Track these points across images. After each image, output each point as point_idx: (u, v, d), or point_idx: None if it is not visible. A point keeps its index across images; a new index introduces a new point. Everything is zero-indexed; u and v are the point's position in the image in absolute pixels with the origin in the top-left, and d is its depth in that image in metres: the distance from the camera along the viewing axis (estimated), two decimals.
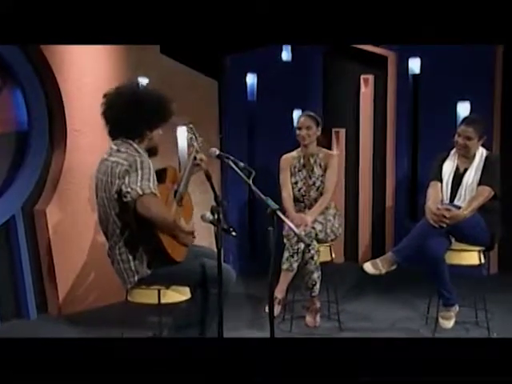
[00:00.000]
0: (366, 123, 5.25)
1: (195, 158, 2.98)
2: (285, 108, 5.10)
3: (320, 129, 3.94)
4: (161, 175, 2.85)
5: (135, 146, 2.79)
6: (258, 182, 2.59)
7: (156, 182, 2.68)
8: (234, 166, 2.66)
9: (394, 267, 3.60)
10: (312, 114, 3.97)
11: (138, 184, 2.60)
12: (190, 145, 3.05)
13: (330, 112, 5.21)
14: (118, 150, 2.77)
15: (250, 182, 2.57)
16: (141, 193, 2.58)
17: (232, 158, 2.71)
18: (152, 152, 2.88)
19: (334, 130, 5.28)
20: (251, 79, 4.97)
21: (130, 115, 2.77)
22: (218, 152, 2.81)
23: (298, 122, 3.96)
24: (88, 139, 3.95)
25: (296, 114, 5.17)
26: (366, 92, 5.22)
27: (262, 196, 2.44)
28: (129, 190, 2.61)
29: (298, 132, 3.93)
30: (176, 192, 2.89)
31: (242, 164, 2.70)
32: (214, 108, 4.84)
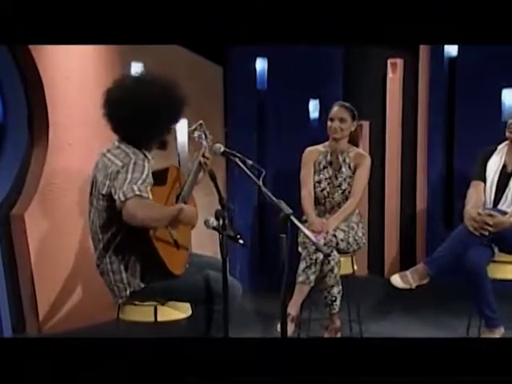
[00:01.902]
0: (394, 115, 5.23)
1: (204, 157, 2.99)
2: (300, 97, 5.10)
3: (355, 123, 3.95)
4: (161, 176, 2.87)
5: (138, 147, 2.82)
6: (269, 182, 2.58)
7: (148, 184, 2.69)
8: (241, 165, 2.67)
9: (426, 281, 3.58)
10: (348, 104, 3.97)
11: (123, 188, 2.63)
12: (198, 144, 3.05)
13: (351, 102, 5.12)
14: (119, 147, 2.82)
15: (260, 182, 2.59)
16: (123, 199, 2.61)
17: (239, 155, 2.71)
18: (165, 145, 2.93)
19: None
20: (261, 64, 4.96)
21: (135, 128, 2.80)
22: (223, 148, 2.81)
23: (330, 112, 3.96)
24: (73, 133, 3.96)
25: (312, 104, 5.17)
26: (394, 78, 5.21)
27: (274, 199, 2.45)
28: (116, 197, 2.64)
29: (329, 123, 3.93)
30: (179, 196, 2.91)
31: (250, 162, 2.70)
32: (219, 98, 4.84)
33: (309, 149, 4.04)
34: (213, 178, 2.86)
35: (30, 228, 3.85)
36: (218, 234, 2.50)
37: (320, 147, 4.03)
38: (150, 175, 2.74)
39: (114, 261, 2.81)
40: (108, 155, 2.80)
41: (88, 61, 4.04)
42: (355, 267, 3.89)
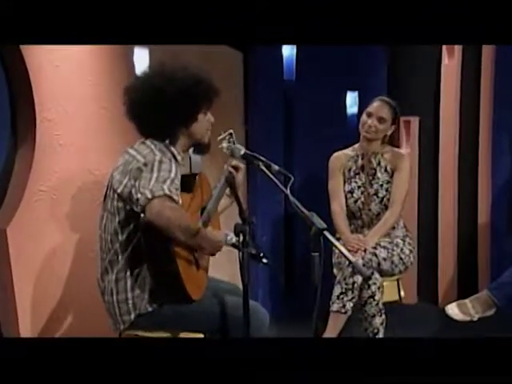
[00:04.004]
0: (450, 109, 5.23)
1: (231, 173, 3.07)
2: (335, 89, 5.11)
3: (394, 128, 4.02)
4: (188, 182, 2.97)
5: (166, 143, 2.95)
6: (298, 191, 2.63)
7: (177, 187, 2.77)
8: (265, 170, 2.72)
9: (491, 312, 3.59)
10: (392, 102, 4.02)
11: (149, 187, 2.69)
12: (227, 155, 3.11)
13: (397, 94, 5.19)
14: (143, 143, 2.95)
15: (288, 191, 2.63)
16: (150, 196, 2.66)
17: (263, 158, 2.76)
18: (200, 149, 3.05)
19: (402, 118, 5.26)
20: (288, 50, 5.00)
21: (148, 114, 2.95)
22: (243, 151, 2.88)
23: (369, 105, 4.00)
24: (65, 132, 3.96)
25: (351, 97, 5.19)
26: (451, 65, 5.21)
27: (304, 210, 2.49)
28: (138, 195, 2.70)
29: (364, 118, 3.98)
30: (203, 209, 2.98)
31: (276, 167, 2.75)
32: (238, 89, 4.88)
33: (335, 154, 4.09)
34: (232, 186, 2.91)
35: (13, 245, 3.81)
36: (237, 252, 2.54)
37: (348, 151, 4.08)
38: (179, 178, 2.82)
39: (121, 277, 2.89)
40: (130, 151, 2.92)
41: (83, 46, 4.10)
42: (402, 293, 3.92)
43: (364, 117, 3.98)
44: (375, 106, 3.98)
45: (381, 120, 3.95)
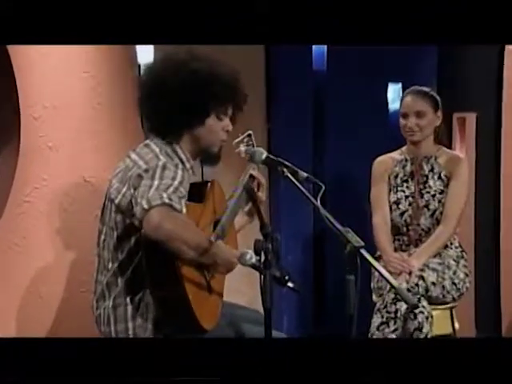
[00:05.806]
0: None
1: (253, 180, 3.10)
2: (373, 82, 5.12)
3: (440, 115, 3.99)
4: (198, 191, 3.01)
5: (174, 146, 3.02)
6: (331, 202, 2.65)
7: (181, 196, 2.79)
8: (291, 177, 2.74)
9: None
10: (426, 89, 4.02)
11: (148, 195, 2.71)
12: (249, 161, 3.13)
13: (449, 87, 5.22)
14: (147, 146, 3.00)
15: (318, 202, 2.65)
16: (146, 207, 2.68)
17: (288, 164, 2.78)
18: (210, 158, 3.11)
19: (456, 115, 5.28)
20: None
21: (150, 107, 3.05)
22: (265, 154, 2.89)
23: (402, 104, 4.01)
24: (55, 132, 3.98)
25: (392, 90, 5.20)
26: None
27: (338, 225, 2.52)
28: (136, 207, 2.74)
29: (402, 121, 3.99)
30: (217, 223, 2.99)
31: (304, 174, 2.77)
32: (259, 84, 4.93)
33: (379, 159, 4.09)
34: (252, 197, 2.93)
35: None
36: (258, 274, 2.56)
37: (395, 155, 4.07)
38: (186, 186, 2.86)
39: (120, 303, 2.94)
40: (132, 155, 2.98)
41: None
42: (456, 325, 3.92)
43: (401, 119, 4.00)
44: (407, 102, 3.99)
45: (419, 114, 3.96)
